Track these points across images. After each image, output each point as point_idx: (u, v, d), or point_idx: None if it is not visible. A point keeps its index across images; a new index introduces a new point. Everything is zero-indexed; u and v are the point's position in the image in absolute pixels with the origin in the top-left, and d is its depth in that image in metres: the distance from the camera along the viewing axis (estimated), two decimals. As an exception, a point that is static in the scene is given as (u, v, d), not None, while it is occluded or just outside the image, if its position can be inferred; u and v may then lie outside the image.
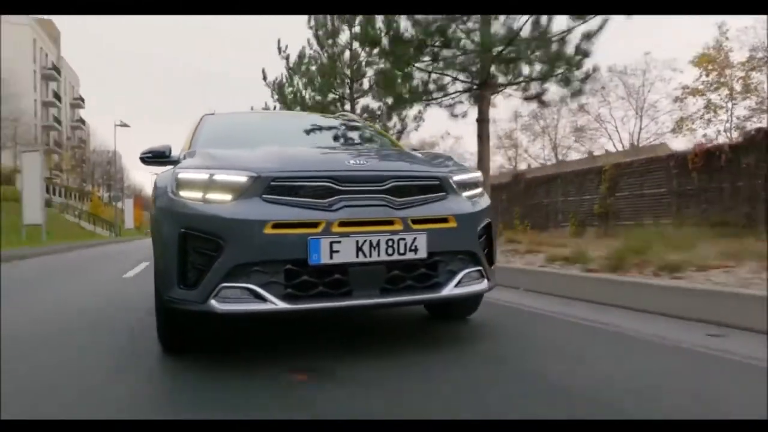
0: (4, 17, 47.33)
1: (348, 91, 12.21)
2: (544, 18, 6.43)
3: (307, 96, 12.90)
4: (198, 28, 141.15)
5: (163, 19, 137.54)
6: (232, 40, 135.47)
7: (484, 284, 2.56)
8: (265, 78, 14.34)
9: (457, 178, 2.60)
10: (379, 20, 7.04)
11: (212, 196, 2.32)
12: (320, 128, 3.90)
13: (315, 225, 2.22)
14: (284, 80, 15.02)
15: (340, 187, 2.29)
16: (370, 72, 11.51)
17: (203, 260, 2.22)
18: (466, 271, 2.48)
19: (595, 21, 6.29)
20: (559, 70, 6.54)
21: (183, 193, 2.38)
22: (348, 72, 12.02)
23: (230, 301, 2.19)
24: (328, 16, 11.22)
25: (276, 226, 2.19)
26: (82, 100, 64.63)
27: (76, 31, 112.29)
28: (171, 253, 2.31)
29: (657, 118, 36.17)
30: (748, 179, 11.45)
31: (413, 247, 2.30)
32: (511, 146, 46.12)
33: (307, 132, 3.76)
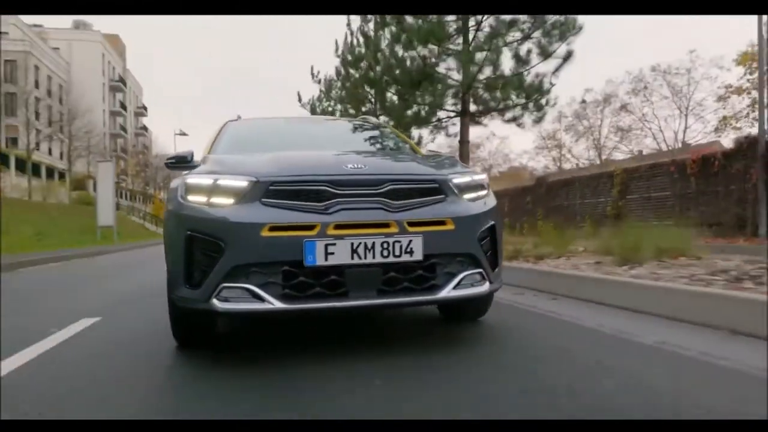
0: (79, 35, 52.24)
1: (373, 107, 14.04)
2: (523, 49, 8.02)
3: (338, 113, 14.88)
4: (256, 33, 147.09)
5: (221, 25, 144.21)
6: (291, 43, 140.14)
7: (485, 287, 2.57)
8: (300, 100, 16.50)
9: (457, 180, 2.64)
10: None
11: (216, 200, 2.43)
12: (336, 132, 4.07)
13: (311, 227, 2.29)
14: (321, 95, 17.12)
15: (337, 191, 2.36)
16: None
17: (206, 261, 2.34)
18: (466, 273, 2.51)
19: (553, 62, 7.84)
20: (527, 101, 8.11)
21: (190, 197, 2.50)
22: (372, 92, 13.86)
23: (230, 300, 2.29)
24: (354, 43, 13.09)
25: (273, 228, 2.28)
26: (145, 108, 69.81)
27: (136, 40, 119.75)
28: (178, 254, 2.45)
29: (703, 117, 36.10)
30: (739, 183, 12.45)
31: (408, 250, 2.34)
32: (555, 147, 46.67)
33: (323, 136, 3.85)
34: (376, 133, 4.01)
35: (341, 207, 2.34)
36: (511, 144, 69.99)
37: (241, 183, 2.40)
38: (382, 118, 14.29)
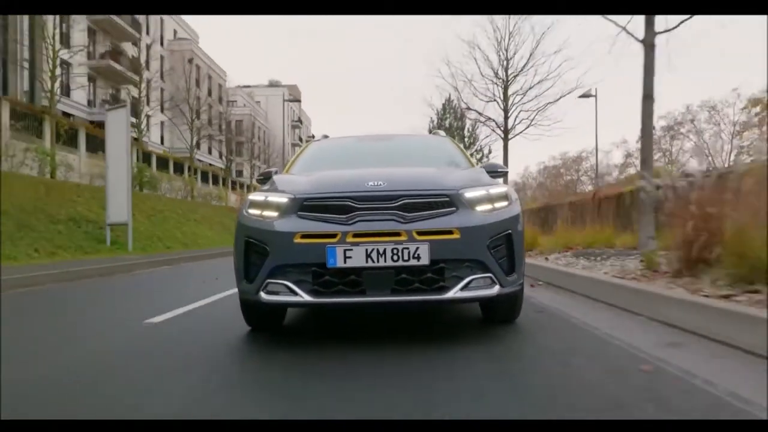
0: (272, 91, 76.48)
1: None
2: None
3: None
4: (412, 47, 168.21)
5: (377, 47, 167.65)
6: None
7: (494, 289, 2.99)
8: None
9: (469, 194, 3.11)
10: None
11: (266, 213, 3.18)
12: (397, 149, 4.82)
13: (333, 236, 2.90)
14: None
15: (357, 205, 2.97)
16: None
17: (258, 261, 3.07)
18: (473, 277, 2.95)
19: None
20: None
21: (250, 210, 3.28)
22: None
23: (273, 293, 2.99)
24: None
25: (303, 236, 2.94)
26: (313, 136, 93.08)
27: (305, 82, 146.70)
28: (240, 255, 3.20)
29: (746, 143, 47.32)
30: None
31: (416, 255, 2.85)
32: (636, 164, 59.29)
33: (383, 153, 4.61)
34: (435, 147, 4.82)
35: (360, 219, 2.93)
36: (613, 158, 77.43)
37: (283, 199, 3.14)
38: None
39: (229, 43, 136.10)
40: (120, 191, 13.20)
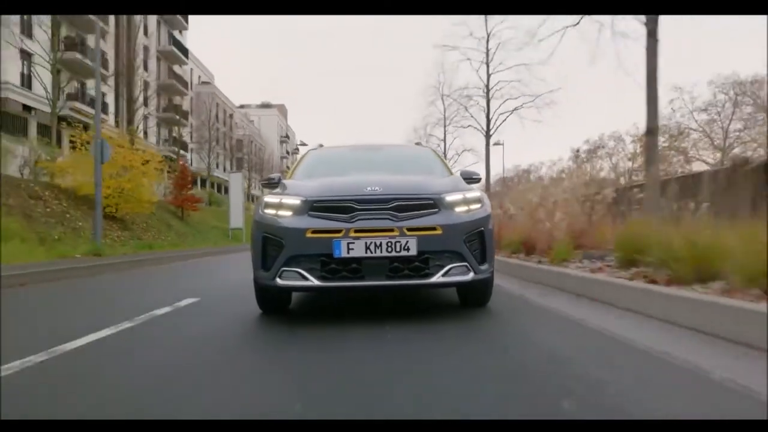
0: (264, 111, 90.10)
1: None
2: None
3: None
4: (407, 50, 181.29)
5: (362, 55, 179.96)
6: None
7: (469, 276, 3.66)
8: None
9: (449, 198, 3.78)
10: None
11: (280, 212, 3.79)
12: (386, 158, 5.54)
13: (338, 231, 3.53)
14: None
15: (358, 206, 3.60)
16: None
17: (274, 253, 3.67)
18: (452, 265, 3.61)
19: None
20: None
21: (266, 210, 3.89)
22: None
23: (287, 279, 3.62)
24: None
25: (314, 232, 3.57)
26: (298, 148, 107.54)
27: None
28: (257, 248, 3.80)
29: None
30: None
31: (406, 247, 3.49)
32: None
33: (373, 161, 5.34)
34: (419, 157, 5.60)
35: (360, 217, 3.56)
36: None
37: (296, 201, 3.78)
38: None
39: (216, 45, 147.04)
40: (238, 211, 27.62)
